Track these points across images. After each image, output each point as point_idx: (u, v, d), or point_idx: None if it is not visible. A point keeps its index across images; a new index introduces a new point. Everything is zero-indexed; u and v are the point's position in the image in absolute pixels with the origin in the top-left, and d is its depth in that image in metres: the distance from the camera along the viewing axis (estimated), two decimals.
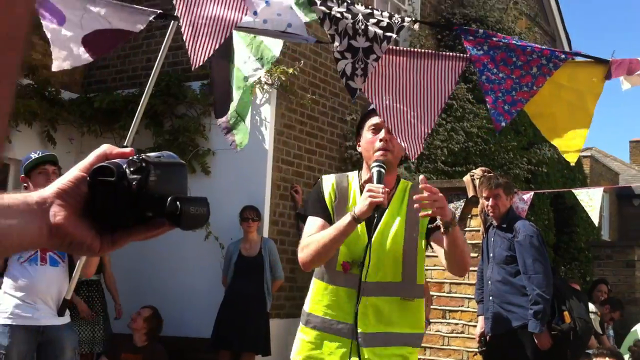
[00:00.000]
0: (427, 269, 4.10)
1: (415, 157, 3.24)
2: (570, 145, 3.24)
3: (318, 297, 2.60)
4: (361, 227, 2.51)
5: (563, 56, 3.11)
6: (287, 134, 6.80)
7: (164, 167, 0.94)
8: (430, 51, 3.21)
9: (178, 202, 0.91)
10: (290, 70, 6.50)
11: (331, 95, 7.50)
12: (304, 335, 2.60)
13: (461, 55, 3.16)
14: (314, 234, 2.51)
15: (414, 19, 3.45)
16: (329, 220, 2.55)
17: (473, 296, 5.12)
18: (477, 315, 5.03)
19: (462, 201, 5.33)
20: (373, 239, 2.52)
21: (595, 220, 6.54)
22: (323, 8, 3.06)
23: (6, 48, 0.46)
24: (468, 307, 5.25)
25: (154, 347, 5.61)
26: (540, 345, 4.40)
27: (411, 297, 2.57)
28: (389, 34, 2.97)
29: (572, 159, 3.30)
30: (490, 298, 4.64)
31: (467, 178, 5.31)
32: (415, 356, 2.61)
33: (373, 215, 2.43)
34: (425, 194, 2.27)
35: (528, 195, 6.51)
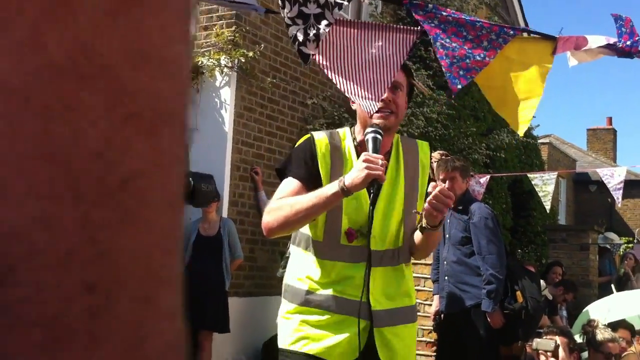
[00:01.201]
0: None
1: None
2: (520, 117, 3.29)
3: (318, 274, 2.26)
4: (362, 193, 2.23)
5: (512, 32, 3.17)
6: (248, 117, 6.81)
7: None
8: (381, 23, 3.23)
9: (191, 179, 0.85)
10: (251, 54, 6.50)
11: (292, 79, 7.52)
12: (300, 319, 2.26)
13: (412, 28, 3.19)
14: (286, 197, 2.19)
15: None
16: (311, 184, 2.22)
17: (429, 276, 5.21)
18: (433, 294, 5.12)
19: None
20: (378, 204, 2.26)
21: (547, 205, 6.68)
22: None
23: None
24: (424, 286, 5.34)
25: None
26: (493, 324, 4.51)
27: (409, 261, 2.40)
28: (340, 0, 2.97)
29: (521, 130, 3.35)
30: (446, 278, 4.73)
31: None
32: (415, 329, 2.43)
33: (367, 188, 2.15)
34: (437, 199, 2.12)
35: (484, 179, 6.62)
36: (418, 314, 5.33)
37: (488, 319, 4.51)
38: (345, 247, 2.25)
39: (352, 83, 2.87)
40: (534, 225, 11.69)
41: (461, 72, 2.85)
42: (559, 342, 3.93)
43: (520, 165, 11.12)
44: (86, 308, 0.26)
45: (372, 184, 2.11)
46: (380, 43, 3.03)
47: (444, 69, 2.67)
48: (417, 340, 5.32)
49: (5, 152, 0.26)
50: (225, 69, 6.49)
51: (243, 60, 6.51)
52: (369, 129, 2.26)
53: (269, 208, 2.21)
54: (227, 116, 6.55)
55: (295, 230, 2.28)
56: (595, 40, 3.34)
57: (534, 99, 3.28)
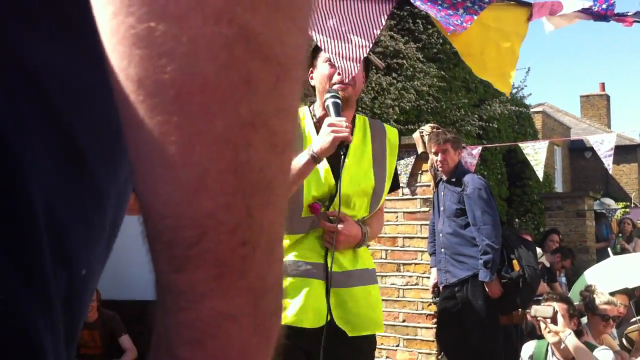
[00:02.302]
0: None
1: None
2: (502, 79, 3.30)
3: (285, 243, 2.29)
4: (326, 170, 2.31)
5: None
6: None
7: None
8: None
9: None
10: None
11: None
12: None
13: None
14: None
15: None
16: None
17: (426, 249, 5.23)
18: (430, 267, 5.15)
19: (412, 157, 5.40)
20: (343, 178, 2.29)
21: (540, 174, 6.68)
22: None
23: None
24: (421, 259, 5.36)
25: (104, 316, 5.60)
26: (491, 293, 4.53)
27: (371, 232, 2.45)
28: None
29: (507, 89, 3.36)
30: (442, 250, 4.75)
31: (416, 135, 5.38)
32: (378, 290, 2.48)
33: (337, 152, 2.20)
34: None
35: (476, 150, 6.62)
36: (416, 287, 5.39)
37: (486, 289, 4.53)
38: (306, 219, 2.30)
39: (334, 41, 2.84)
40: (530, 194, 11.71)
41: (451, 20, 2.85)
42: (557, 308, 3.95)
43: (513, 135, 11.12)
44: (240, 255, 0.41)
45: (340, 147, 2.15)
46: (357, 11, 3.01)
47: (433, 15, 2.64)
48: (417, 314, 5.37)
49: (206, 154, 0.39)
50: None
51: None
52: (327, 95, 2.29)
53: None
54: None
55: None
56: (571, 5, 3.33)
57: (510, 69, 3.29)
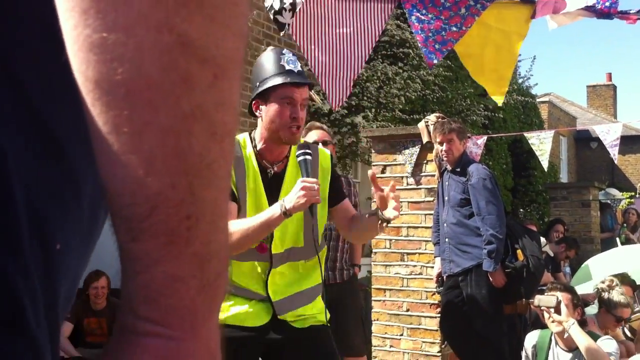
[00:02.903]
0: None
1: (338, 107, 3.27)
2: (497, 86, 3.31)
3: (232, 273, 2.53)
4: (264, 202, 2.49)
5: None
6: (242, 86, 6.75)
7: None
8: None
9: None
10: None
11: (287, 47, 7.45)
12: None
13: None
14: (234, 224, 2.36)
15: None
16: (235, 200, 2.46)
17: (430, 239, 5.24)
18: (434, 257, 5.16)
19: (417, 147, 5.40)
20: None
21: (545, 164, 6.66)
22: None
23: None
24: (425, 249, 5.37)
25: (112, 304, 5.64)
26: (495, 283, 4.54)
27: (312, 257, 2.60)
28: None
29: (499, 100, 3.38)
30: (446, 240, 4.76)
31: (421, 124, 5.38)
32: (320, 304, 2.65)
33: (276, 184, 2.48)
34: (390, 193, 2.33)
35: (481, 140, 6.61)
36: (420, 276, 5.40)
37: (490, 278, 4.54)
38: (252, 250, 2.48)
39: (324, 65, 2.86)
40: (535, 184, 11.69)
41: (437, 46, 2.85)
42: (561, 298, 3.96)
43: (519, 125, 11.09)
44: (185, 227, 0.48)
45: (311, 207, 2.32)
46: (356, 14, 3.02)
47: (419, 44, 2.65)
48: (421, 303, 5.39)
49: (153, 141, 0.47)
50: None
51: None
52: (299, 152, 2.45)
53: None
54: None
55: (244, 250, 2.45)
56: (574, 3, 3.33)
57: (509, 70, 3.30)
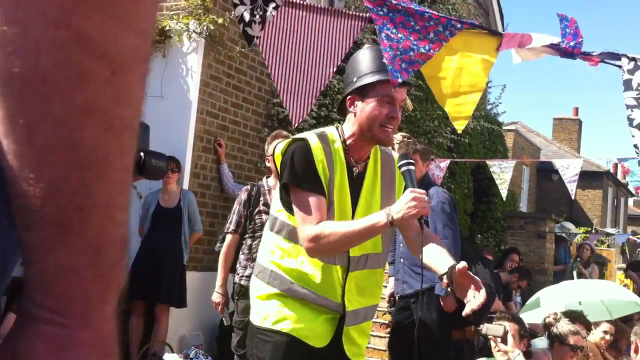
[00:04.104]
0: None
1: (298, 123, 3.24)
2: (460, 111, 3.33)
3: (304, 268, 2.41)
4: (348, 200, 2.41)
5: (459, 25, 3.17)
6: (214, 86, 6.69)
7: None
8: (328, 7, 3.21)
9: (142, 154, 1.04)
10: (220, 20, 6.36)
11: None
12: (279, 302, 2.45)
13: (361, 15, 3.17)
14: (329, 224, 2.28)
15: None
16: (324, 196, 2.35)
17: None
18: (388, 276, 5.14)
19: None
20: (357, 212, 2.43)
21: (504, 193, 6.74)
22: None
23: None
24: None
25: None
26: (446, 308, 4.54)
27: (383, 266, 2.59)
28: None
29: (460, 126, 3.39)
30: (401, 260, 4.75)
31: None
32: (368, 332, 2.65)
33: (357, 185, 2.42)
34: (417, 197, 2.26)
35: (444, 163, 6.65)
36: None
37: (441, 302, 4.54)
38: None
39: (287, 80, 2.85)
40: (495, 211, 11.81)
41: (403, 65, 2.84)
42: (508, 328, 3.96)
43: (484, 151, 11.20)
44: (77, 218, 0.49)
45: (420, 219, 2.26)
46: (327, 29, 3.01)
47: (386, 61, 2.62)
48: (372, 322, 5.37)
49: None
50: (194, 35, 6.34)
51: (212, 28, 6.37)
52: (402, 162, 2.38)
53: (315, 233, 2.27)
54: (193, 84, 6.42)
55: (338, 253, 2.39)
56: (540, 39, 3.37)
57: (475, 94, 3.32)
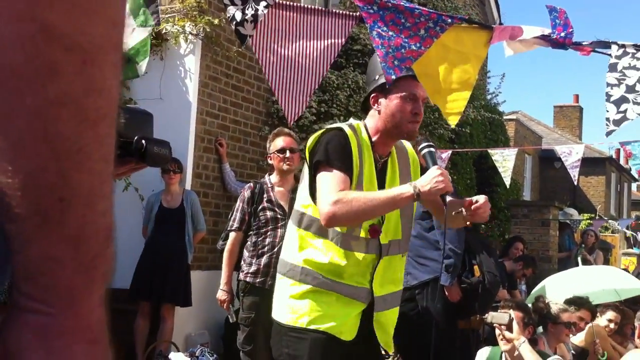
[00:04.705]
0: None
1: (294, 121, 3.28)
2: (452, 107, 3.36)
3: (335, 261, 2.44)
4: (373, 187, 2.47)
5: (450, 20, 3.19)
6: (212, 86, 6.71)
7: (131, 112, 1.09)
8: (320, 8, 3.24)
9: (143, 141, 1.06)
10: (216, 21, 6.38)
11: None
12: (312, 300, 2.47)
13: (351, 13, 3.20)
14: (345, 190, 2.31)
15: None
16: (351, 178, 2.40)
17: None
18: None
19: None
20: None
21: (507, 181, 6.75)
22: None
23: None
24: None
25: None
26: (451, 297, 4.56)
27: (406, 251, 2.64)
28: None
29: (453, 121, 3.42)
30: None
31: None
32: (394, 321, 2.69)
33: (381, 178, 2.49)
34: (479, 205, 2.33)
35: (446, 154, 6.66)
36: None
37: (446, 292, 4.56)
38: (362, 238, 2.45)
39: (282, 79, 2.89)
40: (498, 200, 11.81)
41: (396, 62, 2.86)
42: (513, 315, 3.99)
43: (485, 141, 11.20)
44: (58, 209, 0.49)
45: (443, 195, 2.30)
46: (319, 28, 3.04)
47: (379, 59, 2.67)
48: None
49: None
50: (190, 37, 6.36)
51: (208, 29, 6.39)
52: (423, 145, 2.49)
53: (334, 199, 2.28)
54: (192, 86, 6.45)
55: (357, 224, 2.40)
56: (530, 31, 3.40)
57: (466, 91, 3.35)
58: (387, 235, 2.50)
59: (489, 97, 12.39)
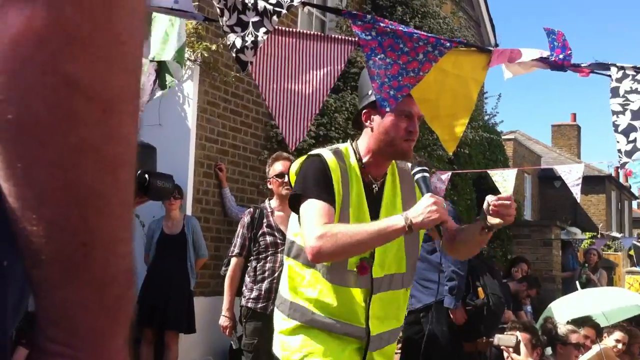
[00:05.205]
0: None
1: (295, 146, 3.24)
2: (450, 133, 3.33)
3: (324, 296, 2.30)
4: (367, 219, 2.29)
5: (448, 44, 3.18)
6: (211, 112, 6.71)
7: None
8: (319, 33, 3.24)
9: (146, 175, 1.07)
10: (214, 47, 6.40)
11: None
12: (304, 335, 2.34)
13: (349, 39, 3.19)
14: (329, 223, 2.16)
15: (303, 0, 3.39)
16: (334, 206, 2.24)
17: None
18: None
19: None
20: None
21: None
22: None
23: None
24: None
25: None
26: (456, 320, 4.52)
27: (409, 285, 2.48)
28: (278, 9, 2.94)
29: (450, 148, 3.40)
30: None
31: None
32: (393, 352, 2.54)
33: (376, 202, 2.32)
34: (504, 202, 2.16)
35: (446, 176, 6.64)
36: None
37: (451, 315, 4.52)
38: (351, 272, 2.29)
39: (282, 105, 2.88)
40: None
41: (391, 92, 2.81)
42: (520, 337, 3.94)
43: (484, 162, 11.19)
44: (82, 254, 0.49)
45: (438, 226, 2.13)
46: (318, 53, 3.03)
47: (374, 90, 2.59)
48: None
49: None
50: (188, 62, 6.37)
51: (206, 55, 6.41)
52: (416, 170, 2.31)
53: (319, 233, 2.13)
54: (190, 111, 6.45)
55: (344, 259, 2.25)
56: (529, 53, 3.40)
57: (465, 116, 3.34)
58: (382, 268, 2.34)
59: (486, 117, 12.40)
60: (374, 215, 2.32)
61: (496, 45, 14.45)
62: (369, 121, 2.39)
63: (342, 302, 2.29)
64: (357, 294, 2.31)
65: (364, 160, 2.38)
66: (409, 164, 2.50)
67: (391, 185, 2.43)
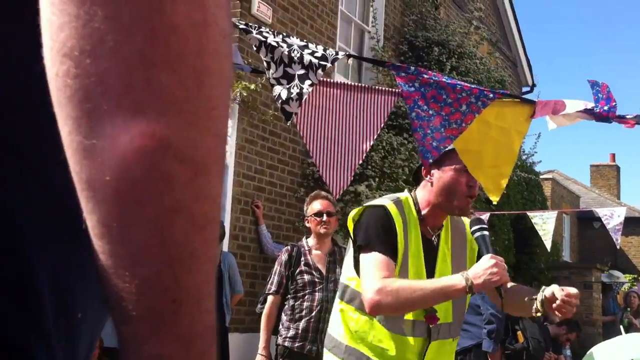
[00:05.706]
0: None
1: (339, 194, 3.25)
2: (495, 184, 3.31)
3: (380, 343, 2.31)
4: (423, 272, 2.33)
5: (491, 95, 3.18)
6: (249, 149, 6.79)
7: None
8: (363, 85, 3.28)
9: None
10: (252, 86, 6.51)
11: None
12: None
13: (393, 90, 3.22)
14: (390, 277, 2.18)
15: (348, 53, 3.47)
16: (395, 260, 2.26)
17: None
18: None
19: None
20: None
21: (548, 244, 6.61)
22: (259, 36, 3.13)
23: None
24: None
25: None
26: None
27: (457, 335, 2.49)
28: (323, 62, 3.00)
29: (495, 198, 3.38)
30: None
31: None
32: None
33: (433, 254, 2.35)
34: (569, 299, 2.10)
35: (485, 216, 6.57)
36: None
37: (489, 359, 4.43)
38: (408, 321, 2.30)
39: (326, 155, 2.91)
40: (537, 262, 11.58)
41: (434, 144, 2.83)
42: None
43: (522, 202, 11.07)
44: (171, 311, 0.51)
45: (499, 287, 2.14)
46: (361, 104, 3.08)
47: (417, 142, 2.62)
48: None
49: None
50: None
51: (245, 94, 6.51)
52: (475, 227, 2.33)
53: (380, 287, 2.15)
54: (229, 149, 6.54)
55: (402, 314, 2.28)
56: (573, 105, 3.38)
57: (507, 168, 3.32)
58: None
59: (524, 157, 12.31)
60: (430, 268, 2.34)
61: (533, 85, 14.40)
62: (429, 176, 2.41)
63: (399, 349, 2.30)
64: (414, 341, 2.32)
65: (423, 212, 2.39)
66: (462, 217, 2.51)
67: (445, 238, 2.44)
